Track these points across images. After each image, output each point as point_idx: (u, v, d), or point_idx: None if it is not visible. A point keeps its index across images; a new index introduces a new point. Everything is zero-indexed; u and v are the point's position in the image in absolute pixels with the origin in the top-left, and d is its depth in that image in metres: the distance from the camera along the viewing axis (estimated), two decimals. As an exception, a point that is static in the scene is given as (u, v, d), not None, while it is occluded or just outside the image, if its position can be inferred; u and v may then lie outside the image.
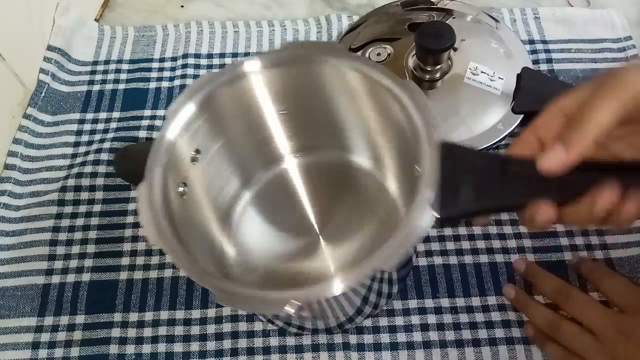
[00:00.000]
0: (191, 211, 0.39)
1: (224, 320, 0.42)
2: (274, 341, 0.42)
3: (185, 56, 0.57)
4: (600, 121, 0.28)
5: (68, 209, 0.48)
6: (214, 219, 0.43)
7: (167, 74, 0.56)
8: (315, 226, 0.44)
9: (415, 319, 0.42)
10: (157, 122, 0.53)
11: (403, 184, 0.43)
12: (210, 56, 0.57)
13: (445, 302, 0.43)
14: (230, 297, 0.29)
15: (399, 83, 0.35)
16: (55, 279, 0.45)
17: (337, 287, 0.29)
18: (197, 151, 0.38)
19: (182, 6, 0.63)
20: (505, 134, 0.47)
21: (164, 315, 0.43)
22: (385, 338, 0.41)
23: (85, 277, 0.45)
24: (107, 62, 0.57)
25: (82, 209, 0.48)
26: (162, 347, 0.42)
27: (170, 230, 0.32)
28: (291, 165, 0.46)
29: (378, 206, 0.44)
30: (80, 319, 0.43)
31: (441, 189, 0.31)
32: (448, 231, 0.45)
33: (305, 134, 0.45)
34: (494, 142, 0.47)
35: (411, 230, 0.30)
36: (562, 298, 0.40)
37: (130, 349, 0.42)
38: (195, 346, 0.42)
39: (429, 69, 0.49)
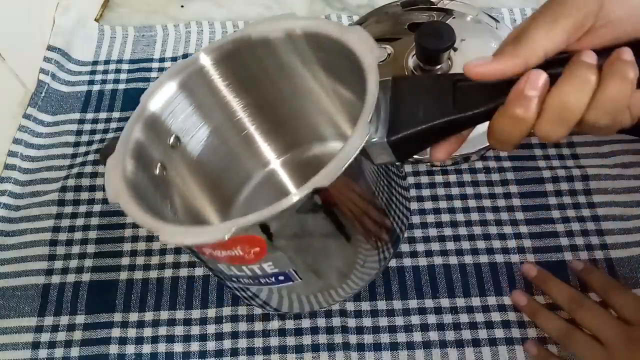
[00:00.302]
0: (178, 193, 0.39)
1: (224, 320, 0.42)
2: (274, 341, 0.42)
3: (185, 56, 0.57)
4: (537, 43, 0.27)
5: (68, 209, 0.48)
6: (211, 206, 0.43)
7: (167, 74, 0.56)
8: None
9: (415, 319, 0.42)
10: (157, 122, 0.53)
11: None
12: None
13: (445, 302, 0.43)
14: (172, 233, 0.29)
15: (336, 26, 0.35)
16: (55, 279, 0.45)
17: (274, 208, 0.28)
18: (177, 138, 0.39)
19: (182, 6, 0.63)
20: (505, 134, 0.47)
21: (164, 315, 0.43)
22: (385, 338, 0.41)
23: (85, 277, 0.45)
24: (107, 62, 0.57)
25: (82, 209, 0.48)
26: (162, 347, 0.42)
27: (135, 194, 0.32)
28: (278, 167, 0.46)
29: None
30: (80, 319, 0.43)
31: (392, 116, 0.30)
32: (448, 231, 0.45)
33: (279, 132, 0.45)
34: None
35: (349, 148, 0.29)
36: (575, 306, 0.39)
37: (130, 349, 0.42)
38: (195, 346, 0.42)
39: (429, 69, 0.49)
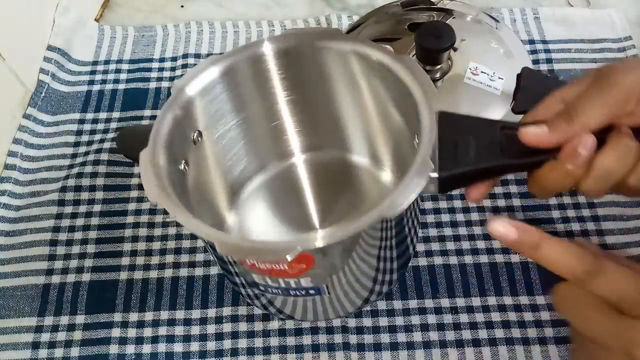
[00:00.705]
0: (196, 185, 0.39)
1: (224, 320, 0.42)
2: (274, 341, 0.42)
3: (185, 56, 0.57)
4: (587, 121, 0.31)
5: (68, 209, 0.48)
6: (221, 194, 0.44)
7: (167, 74, 0.56)
8: (316, 223, 0.44)
9: (415, 319, 0.42)
10: (157, 122, 0.53)
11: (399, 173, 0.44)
12: (210, 56, 0.57)
13: (445, 302, 0.43)
14: (232, 248, 0.30)
15: (395, 58, 0.36)
16: (55, 279, 0.45)
17: (341, 231, 0.29)
18: (199, 133, 0.39)
19: (182, 6, 0.63)
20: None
21: (164, 315, 0.43)
22: (385, 338, 0.41)
23: (85, 277, 0.45)
24: (107, 62, 0.57)
25: (82, 209, 0.48)
26: (162, 347, 0.42)
27: (173, 191, 0.33)
28: (299, 162, 0.47)
29: (379, 203, 0.44)
30: (80, 319, 0.43)
31: (440, 151, 0.32)
32: (448, 231, 0.45)
33: (311, 131, 0.46)
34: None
35: (411, 182, 0.30)
36: (589, 274, 0.28)
37: (130, 349, 0.42)
38: (195, 346, 0.42)
39: (429, 69, 0.49)
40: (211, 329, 0.42)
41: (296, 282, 0.34)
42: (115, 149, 0.50)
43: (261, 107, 0.42)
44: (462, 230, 0.45)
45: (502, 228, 0.29)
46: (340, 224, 0.29)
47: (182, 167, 0.37)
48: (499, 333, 0.41)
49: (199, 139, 0.39)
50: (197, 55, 0.57)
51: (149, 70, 0.56)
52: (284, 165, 0.47)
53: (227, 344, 0.42)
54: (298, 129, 0.45)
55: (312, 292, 0.35)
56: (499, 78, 0.49)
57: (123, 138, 0.39)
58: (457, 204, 0.47)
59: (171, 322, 0.43)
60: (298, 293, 0.36)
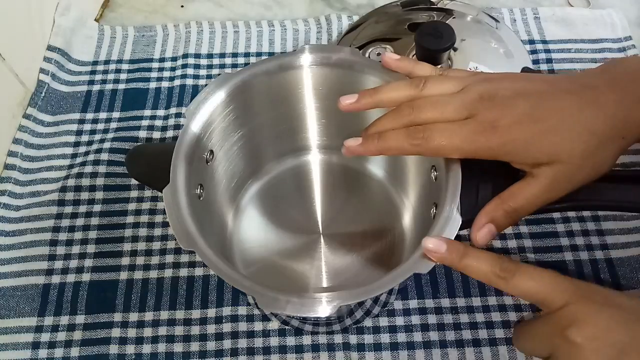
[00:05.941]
0: (208, 209, 0.39)
1: (224, 320, 0.42)
2: (274, 341, 0.42)
3: (185, 56, 0.57)
4: None
5: (68, 209, 0.48)
6: (225, 209, 0.44)
7: (167, 74, 0.56)
8: (320, 226, 0.44)
9: (415, 319, 0.42)
10: (157, 122, 0.53)
11: (412, 199, 0.44)
12: (210, 56, 0.57)
13: (445, 302, 0.43)
14: (271, 301, 0.30)
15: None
16: (55, 279, 0.45)
17: (377, 288, 0.30)
18: (211, 152, 0.39)
19: (182, 6, 0.63)
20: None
21: (164, 315, 0.43)
22: (385, 338, 0.41)
23: (85, 277, 0.45)
24: (107, 62, 0.57)
25: (82, 209, 0.48)
26: (162, 347, 0.42)
27: (198, 231, 0.33)
28: (310, 160, 0.48)
29: (385, 219, 0.45)
30: (80, 319, 0.43)
31: (462, 195, 0.32)
32: (448, 231, 0.45)
33: (330, 133, 0.46)
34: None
35: (441, 232, 0.32)
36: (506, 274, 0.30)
37: (130, 349, 0.42)
38: (195, 346, 0.42)
39: (429, 69, 0.49)
40: (211, 329, 0.42)
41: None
42: (115, 148, 0.50)
43: (273, 115, 0.43)
44: (462, 231, 0.45)
45: (432, 244, 0.31)
46: (374, 282, 0.30)
47: (197, 191, 0.37)
48: (499, 333, 0.41)
49: (211, 157, 0.39)
50: (197, 55, 0.57)
51: (149, 70, 0.56)
52: (287, 164, 0.47)
53: (227, 344, 0.42)
54: (316, 129, 0.46)
55: (332, 318, 0.37)
56: (499, 78, 0.49)
57: (132, 159, 0.40)
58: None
59: (171, 322, 0.43)
60: (320, 321, 0.37)
